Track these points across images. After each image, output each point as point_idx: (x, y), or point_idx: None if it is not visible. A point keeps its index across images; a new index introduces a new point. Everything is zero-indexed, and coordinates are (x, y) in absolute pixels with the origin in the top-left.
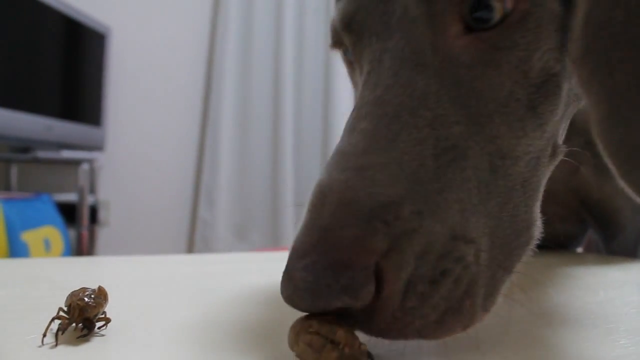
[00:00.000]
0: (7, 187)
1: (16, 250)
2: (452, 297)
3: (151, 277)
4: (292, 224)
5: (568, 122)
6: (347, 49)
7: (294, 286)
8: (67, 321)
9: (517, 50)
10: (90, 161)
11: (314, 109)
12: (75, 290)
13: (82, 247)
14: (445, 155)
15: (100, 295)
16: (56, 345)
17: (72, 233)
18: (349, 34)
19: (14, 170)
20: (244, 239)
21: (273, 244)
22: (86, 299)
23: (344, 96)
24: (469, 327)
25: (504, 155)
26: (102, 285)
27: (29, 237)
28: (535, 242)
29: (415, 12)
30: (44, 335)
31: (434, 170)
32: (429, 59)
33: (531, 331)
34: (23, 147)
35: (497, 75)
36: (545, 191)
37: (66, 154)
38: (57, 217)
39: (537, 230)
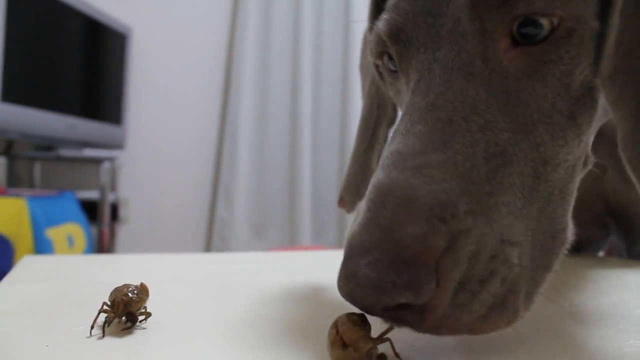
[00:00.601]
0: (31, 185)
1: (41, 246)
2: (498, 295)
3: (181, 274)
4: (309, 223)
5: (595, 133)
6: (390, 59)
7: (357, 283)
8: (112, 314)
9: (561, 64)
10: (111, 159)
11: (331, 109)
12: (119, 286)
13: (102, 244)
14: (495, 159)
15: (142, 291)
16: (103, 336)
17: (93, 230)
18: (396, 44)
19: (37, 168)
20: (262, 237)
21: (290, 243)
22: (130, 295)
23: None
24: (512, 323)
25: (546, 162)
26: (143, 282)
27: (53, 233)
28: (569, 243)
29: (467, 26)
30: (92, 327)
31: (485, 173)
32: (479, 69)
33: (544, 329)
34: (46, 146)
35: (542, 86)
36: None
37: (88, 152)
38: (80, 214)
39: (571, 232)
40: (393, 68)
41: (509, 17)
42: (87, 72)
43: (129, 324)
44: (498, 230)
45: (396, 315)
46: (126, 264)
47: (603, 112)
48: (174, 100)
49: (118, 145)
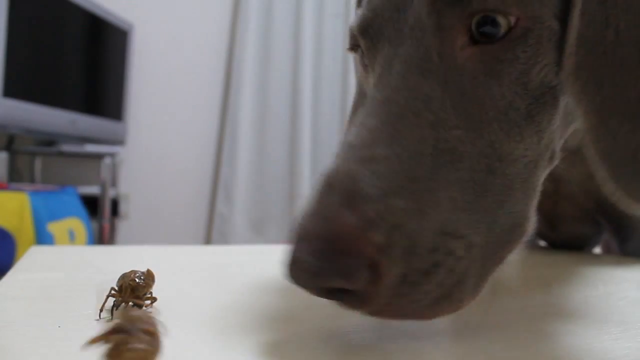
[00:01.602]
0: (32, 180)
1: (42, 240)
2: (444, 285)
3: (184, 264)
4: None
5: (568, 130)
6: (363, 53)
7: (298, 267)
8: (120, 299)
9: (518, 63)
10: (112, 155)
11: (331, 105)
12: (126, 272)
13: (103, 239)
14: (443, 155)
15: (149, 277)
16: (112, 319)
17: (93, 225)
18: (365, 39)
19: (38, 163)
20: (261, 233)
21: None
22: (137, 280)
23: None
24: (457, 310)
25: (502, 158)
26: (149, 268)
27: (55, 227)
28: (528, 235)
29: (426, 22)
30: (101, 311)
31: (430, 169)
32: (435, 66)
33: (530, 320)
34: (47, 141)
35: (498, 85)
36: (563, 193)
37: (89, 147)
38: (81, 209)
39: (531, 225)
40: (366, 62)
41: (464, 14)
42: (89, 68)
43: (135, 307)
44: (438, 224)
45: (339, 297)
46: (131, 254)
47: (573, 109)
48: (175, 96)
49: (119, 141)
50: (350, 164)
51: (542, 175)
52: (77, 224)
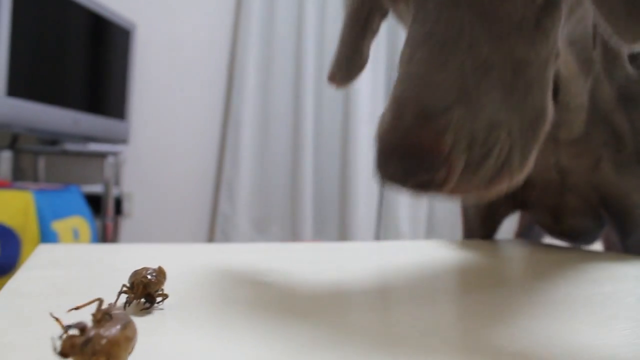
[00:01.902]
0: (35, 179)
1: (47, 238)
2: (496, 164)
3: (193, 261)
4: (311, 219)
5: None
6: None
7: (393, 171)
8: (132, 295)
9: None
10: (115, 154)
11: (334, 104)
12: (138, 269)
13: (106, 238)
14: (479, 69)
15: (160, 274)
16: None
17: (97, 224)
18: None
19: (41, 162)
20: (264, 232)
21: (292, 238)
22: (149, 277)
23: (365, 91)
24: (511, 183)
25: (521, 62)
26: (161, 266)
27: (59, 226)
28: (549, 121)
29: None
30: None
31: (473, 82)
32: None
33: (537, 318)
34: (51, 140)
35: (512, 4)
36: (568, 184)
37: (92, 146)
38: (85, 208)
39: (550, 113)
40: None
41: None
42: (92, 67)
43: (147, 304)
44: (486, 120)
45: (423, 188)
46: (139, 252)
47: (568, 14)
48: (178, 95)
49: (122, 140)
50: (415, 90)
51: (552, 71)
52: (81, 222)
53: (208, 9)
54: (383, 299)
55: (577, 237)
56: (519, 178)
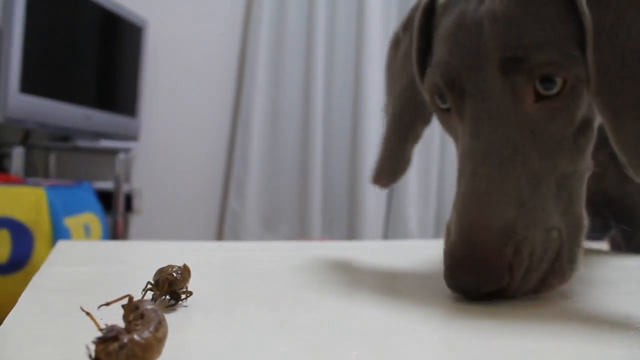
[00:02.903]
0: (46, 175)
1: (59, 234)
2: (550, 266)
3: (212, 258)
4: (320, 216)
5: (594, 144)
6: (440, 98)
7: (463, 281)
8: (157, 293)
9: (569, 110)
10: (127, 150)
11: (343, 103)
12: (163, 267)
13: (117, 234)
14: (533, 182)
15: (185, 271)
16: None
17: (107, 220)
18: (451, 92)
19: (52, 158)
20: (273, 230)
21: (301, 236)
22: (174, 274)
23: (374, 90)
24: (564, 283)
25: (563, 176)
26: (186, 263)
27: (71, 222)
28: (587, 229)
29: (502, 86)
30: None
31: (529, 194)
32: (514, 118)
33: (551, 318)
34: (62, 136)
35: (556, 126)
36: None
37: (103, 143)
38: (97, 204)
39: (586, 219)
40: (443, 106)
41: (529, 79)
42: (103, 64)
43: (172, 301)
44: (543, 227)
45: (491, 295)
46: (158, 249)
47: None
48: (188, 92)
49: (132, 136)
50: (479, 208)
51: (586, 183)
52: (92, 218)
53: (219, 7)
54: (391, 297)
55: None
56: (569, 280)
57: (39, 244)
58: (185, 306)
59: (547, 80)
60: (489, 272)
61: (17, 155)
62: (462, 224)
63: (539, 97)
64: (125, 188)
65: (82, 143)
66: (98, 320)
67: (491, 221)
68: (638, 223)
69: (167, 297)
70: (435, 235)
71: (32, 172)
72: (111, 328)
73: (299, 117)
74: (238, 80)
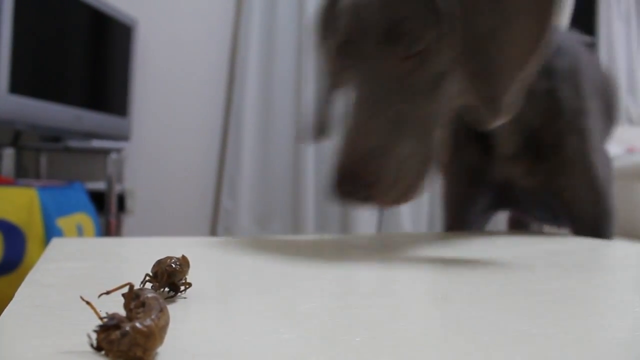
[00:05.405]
0: (37, 176)
1: (52, 235)
2: (405, 183)
3: (208, 253)
4: (313, 214)
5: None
6: (342, 51)
7: (342, 192)
8: (157, 284)
9: (427, 66)
10: (118, 150)
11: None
12: (162, 259)
13: (110, 234)
14: (398, 123)
15: (184, 263)
16: None
17: (100, 220)
18: (348, 48)
19: (43, 159)
20: (266, 228)
21: (294, 233)
22: (173, 265)
23: None
24: (416, 195)
25: (421, 117)
26: (184, 255)
27: (64, 223)
28: (432, 163)
29: (380, 46)
30: None
31: (393, 132)
32: (386, 71)
33: (553, 303)
34: (52, 137)
35: (418, 77)
36: (520, 187)
37: (95, 143)
38: (89, 205)
39: (433, 158)
40: (346, 62)
41: (400, 41)
42: (93, 64)
43: (171, 293)
44: (399, 159)
45: (363, 200)
46: (151, 245)
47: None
48: (179, 92)
49: (123, 136)
50: (360, 136)
51: (438, 130)
52: (85, 219)
53: (210, 6)
54: (391, 285)
55: (541, 219)
56: (420, 194)
57: (32, 245)
58: (185, 297)
59: (413, 43)
60: (362, 181)
61: (8, 157)
62: (345, 149)
63: (406, 56)
64: (117, 188)
65: (73, 143)
66: (98, 311)
67: (365, 146)
68: (572, 214)
69: (166, 288)
70: (429, 230)
71: (23, 173)
72: (112, 316)
73: (291, 114)
74: (229, 79)
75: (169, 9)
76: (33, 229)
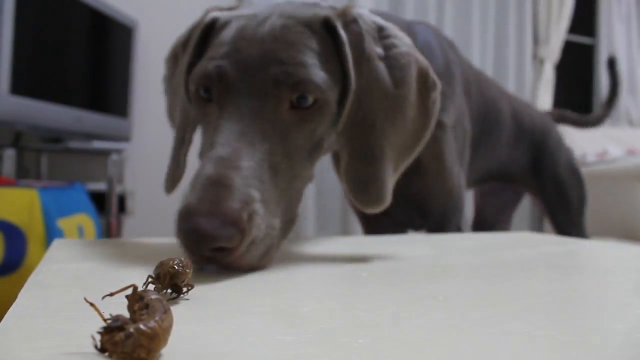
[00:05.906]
0: (38, 176)
1: (53, 236)
2: (266, 246)
3: None
4: (313, 216)
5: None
6: (205, 90)
7: (195, 234)
8: (159, 286)
9: (312, 124)
10: (119, 151)
11: None
12: (164, 260)
13: (110, 235)
14: (272, 169)
15: (186, 265)
16: None
17: (101, 221)
18: (220, 85)
19: (44, 160)
20: None
21: (294, 234)
22: (176, 267)
23: None
24: (265, 267)
25: (294, 176)
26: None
27: (64, 224)
28: (295, 223)
29: (269, 92)
30: None
31: (268, 180)
32: (272, 117)
33: (554, 304)
34: (53, 138)
35: (301, 134)
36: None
37: (96, 144)
38: (90, 206)
39: (296, 217)
40: (204, 95)
41: (291, 91)
42: (94, 64)
43: (174, 294)
44: (272, 211)
45: (213, 257)
46: (154, 246)
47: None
48: None
49: (124, 137)
50: (226, 170)
51: (305, 187)
52: (86, 220)
53: (209, 7)
54: (395, 287)
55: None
56: (269, 266)
57: (33, 246)
58: (187, 299)
59: (303, 97)
60: (223, 223)
61: (9, 157)
62: (206, 181)
63: (293, 107)
64: (117, 189)
65: (74, 144)
66: (102, 313)
67: (235, 184)
68: (427, 213)
69: (169, 290)
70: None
71: (24, 174)
72: (116, 318)
73: None
74: None
75: (169, 10)
76: (34, 229)
